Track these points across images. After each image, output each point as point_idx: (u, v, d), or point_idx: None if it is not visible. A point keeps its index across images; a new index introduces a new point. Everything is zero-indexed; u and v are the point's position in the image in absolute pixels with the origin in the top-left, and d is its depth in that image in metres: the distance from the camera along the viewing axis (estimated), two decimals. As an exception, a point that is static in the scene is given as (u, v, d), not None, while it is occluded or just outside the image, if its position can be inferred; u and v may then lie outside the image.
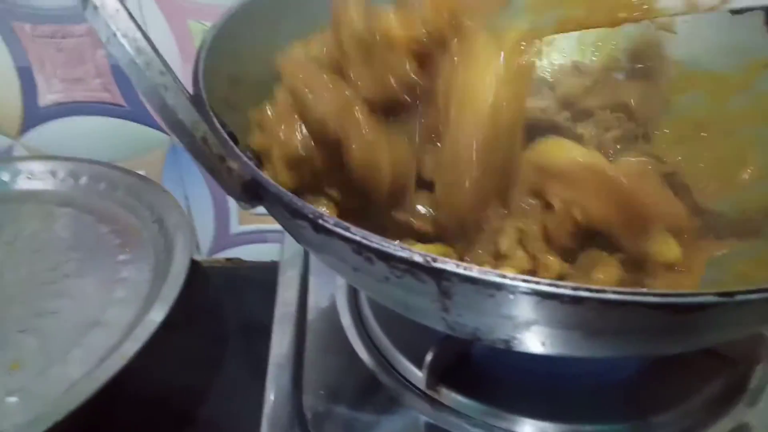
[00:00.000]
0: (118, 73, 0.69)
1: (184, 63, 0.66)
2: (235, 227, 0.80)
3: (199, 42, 0.41)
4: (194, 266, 0.77)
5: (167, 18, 0.65)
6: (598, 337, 0.27)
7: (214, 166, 0.27)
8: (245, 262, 0.80)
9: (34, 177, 0.68)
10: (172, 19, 0.65)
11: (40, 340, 0.51)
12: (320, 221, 0.26)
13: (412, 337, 0.43)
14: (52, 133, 0.72)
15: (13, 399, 0.46)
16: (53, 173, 0.68)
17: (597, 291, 0.24)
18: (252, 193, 0.29)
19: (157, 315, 0.50)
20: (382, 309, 0.47)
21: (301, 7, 0.49)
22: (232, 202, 0.75)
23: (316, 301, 0.53)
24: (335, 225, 0.26)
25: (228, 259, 0.81)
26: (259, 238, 0.80)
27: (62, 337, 0.51)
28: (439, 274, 0.25)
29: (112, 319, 0.53)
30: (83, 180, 0.67)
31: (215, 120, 0.31)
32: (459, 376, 0.41)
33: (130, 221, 0.63)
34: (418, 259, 0.25)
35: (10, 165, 0.69)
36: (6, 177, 0.68)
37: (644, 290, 0.24)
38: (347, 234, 0.26)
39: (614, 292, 0.24)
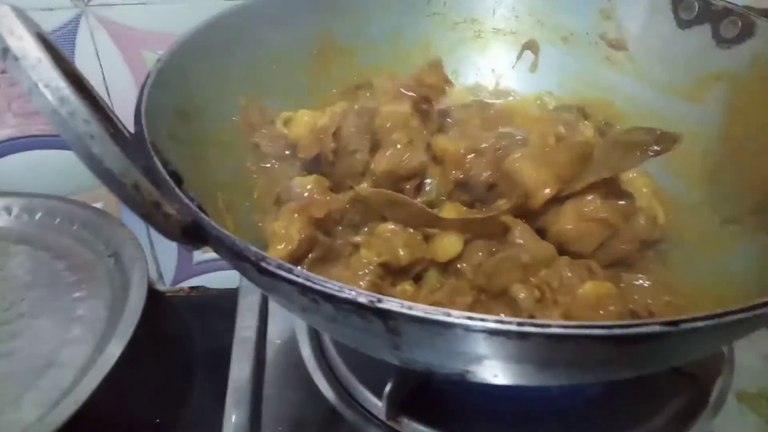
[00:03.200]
0: (72, 104, 0.68)
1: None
2: (198, 255, 0.78)
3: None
4: (157, 296, 0.76)
5: (120, 49, 0.64)
6: (549, 368, 0.27)
7: (149, 213, 0.26)
8: (209, 290, 0.79)
9: (-12, 214, 0.66)
10: (126, 50, 0.64)
11: (-8, 384, 0.49)
12: (263, 263, 0.26)
13: (372, 366, 0.42)
14: (7, 168, 0.70)
15: (-38, 447, 0.44)
16: (8, 209, 0.66)
17: (542, 326, 0.23)
18: (194, 235, 0.28)
19: (112, 354, 0.49)
20: (343, 339, 0.46)
21: (251, 37, 0.49)
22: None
23: (276, 328, 0.53)
24: (278, 267, 0.26)
25: (192, 288, 0.80)
26: (222, 266, 0.79)
27: (16, 380, 0.49)
28: (385, 314, 0.25)
29: (67, 359, 0.51)
30: (38, 215, 0.66)
31: (156, 160, 0.31)
32: (420, 405, 0.41)
33: (87, 256, 0.61)
34: (362, 300, 0.24)
35: (-37, 203, 0.67)
36: (-41, 216, 0.66)
37: (589, 323, 0.23)
38: (290, 276, 0.25)
39: (559, 326, 0.23)
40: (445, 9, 0.59)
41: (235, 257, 0.27)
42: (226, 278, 0.79)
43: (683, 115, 0.53)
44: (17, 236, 0.64)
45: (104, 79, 0.65)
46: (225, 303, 0.66)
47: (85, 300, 0.57)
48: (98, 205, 0.68)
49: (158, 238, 0.75)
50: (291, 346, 0.49)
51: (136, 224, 0.66)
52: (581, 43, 0.59)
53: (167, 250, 0.77)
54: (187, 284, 0.80)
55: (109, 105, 0.65)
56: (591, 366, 0.27)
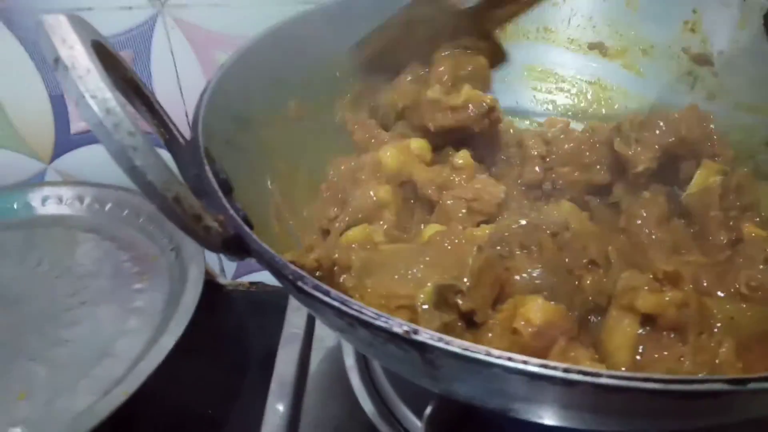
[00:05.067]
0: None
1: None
2: (259, 252, 0.79)
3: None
4: (219, 289, 0.78)
5: (194, 49, 0.65)
6: (599, 415, 0.25)
7: (189, 226, 0.26)
8: (268, 286, 0.80)
9: (62, 202, 0.69)
10: (199, 50, 0.65)
11: (49, 369, 0.51)
12: (299, 283, 0.25)
13: (414, 386, 0.41)
14: (82, 158, 0.73)
15: (16, 430, 0.46)
16: (80, 199, 0.69)
17: (591, 374, 0.21)
18: (237, 247, 0.28)
19: (164, 347, 0.50)
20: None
21: (311, 45, 0.48)
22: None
23: (323, 332, 0.52)
24: (314, 288, 0.25)
25: (252, 283, 0.81)
26: (282, 264, 0.79)
27: (72, 368, 0.51)
28: (422, 347, 0.23)
29: (121, 350, 0.53)
30: (108, 206, 0.68)
31: (207, 168, 0.30)
32: (464, 428, 0.39)
33: (149, 249, 0.63)
34: (397, 330, 0.23)
35: (40, 190, 0.70)
36: (36, 202, 0.70)
37: (644, 375, 0.21)
38: (326, 299, 0.24)
39: (609, 377, 0.21)
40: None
41: (276, 273, 0.27)
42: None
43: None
44: (86, 225, 0.67)
45: (177, 77, 0.67)
46: (282, 300, 0.67)
47: (145, 292, 0.59)
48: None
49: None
50: (336, 353, 0.48)
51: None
52: (662, 56, 0.55)
53: (229, 246, 0.78)
54: (247, 279, 0.81)
55: (182, 103, 0.68)
56: (644, 417, 0.25)
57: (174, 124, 0.33)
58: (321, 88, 0.49)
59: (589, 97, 0.58)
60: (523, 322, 0.31)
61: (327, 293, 0.24)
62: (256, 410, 0.60)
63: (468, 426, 0.39)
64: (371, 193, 0.40)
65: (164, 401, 0.57)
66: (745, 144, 0.50)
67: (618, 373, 0.21)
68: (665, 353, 0.31)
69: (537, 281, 0.34)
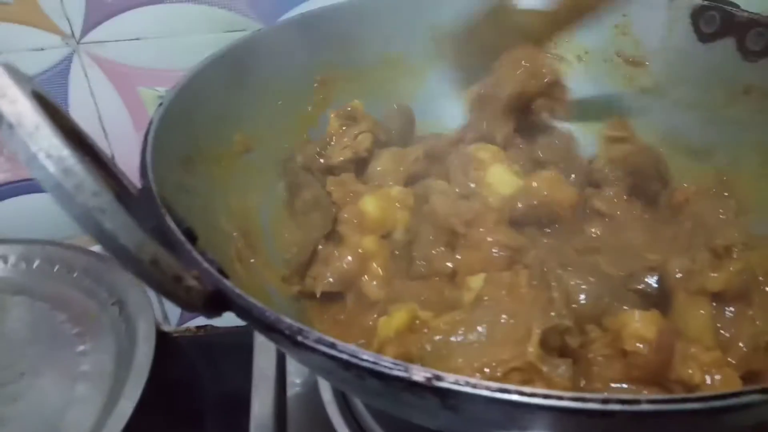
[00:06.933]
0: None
1: (137, 132, 0.63)
2: (205, 295, 0.75)
3: (152, 112, 0.37)
4: (164, 338, 0.73)
5: (116, 86, 0.61)
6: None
7: (170, 290, 0.23)
8: (217, 328, 0.76)
9: (-17, 264, 0.63)
10: (121, 87, 0.61)
11: (-5, 452, 0.46)
12: (299, 338, 0.23)
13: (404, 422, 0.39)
14: (1, 214, 0.67)
15: None
16: (4, 258, 0.63)
17: (630, 402, 0.20)
18: (217, 303, 0.25)
19: (123, 414, 0.45)
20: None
21: (253, 74, 0.46)
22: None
23: (295, 368, 0.50)
24: (317, 342, 0.22)
25: (199, 327, 0.77)
26: (231, 304, 0.76)
27: (20, 449, 0.46)
28: (444, 393, 0.21)
29: (73, 421, 0.48)
30: (36, 263, 0.62)
31: (169, 219, 0.27)
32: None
33: (89, 306, 0.58)
34: (417, 378, 0.21)
35: (-44, 253, 0.63)
36: (-46, 267, 0.63)
37: (682, 396, 0.20)
38: (332, 352, 0.22)
39: (649, 402, 0.20)
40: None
41: (266, 329, 0.24)
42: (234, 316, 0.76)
43: (709, 132, 0.51)
44: (14, 287, 0.61)
45: (100, 118, 0.63)
46: (234, 341, 0.63)
47: (90, 354, 0.53)
48: (97, 248, 0.65)
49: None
50: (312, 390, 0.46)
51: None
52: (597, 60, 0.56)
53: (171, 291, 0.74)
54: (193, 324, 0.77)
55: (108, 146, 0.63)
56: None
57: (122, 172, 0.30)
58: (264, 118, 0.48)
59: (531, 104, 0.58)
60: (637, 342, 0.29)
61: (333, 346, 0.22)
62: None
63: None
64: (356, 245, 0.39)
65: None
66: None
67: (657, 397, 0.20)
68: (739, 323, 0.32)
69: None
